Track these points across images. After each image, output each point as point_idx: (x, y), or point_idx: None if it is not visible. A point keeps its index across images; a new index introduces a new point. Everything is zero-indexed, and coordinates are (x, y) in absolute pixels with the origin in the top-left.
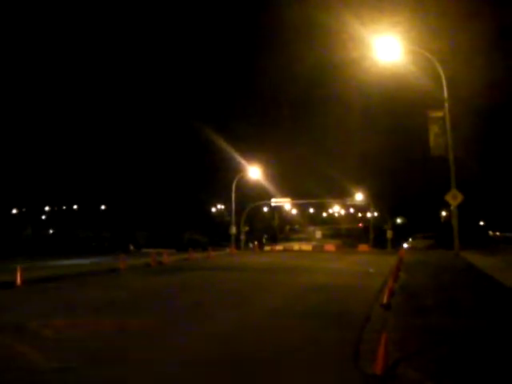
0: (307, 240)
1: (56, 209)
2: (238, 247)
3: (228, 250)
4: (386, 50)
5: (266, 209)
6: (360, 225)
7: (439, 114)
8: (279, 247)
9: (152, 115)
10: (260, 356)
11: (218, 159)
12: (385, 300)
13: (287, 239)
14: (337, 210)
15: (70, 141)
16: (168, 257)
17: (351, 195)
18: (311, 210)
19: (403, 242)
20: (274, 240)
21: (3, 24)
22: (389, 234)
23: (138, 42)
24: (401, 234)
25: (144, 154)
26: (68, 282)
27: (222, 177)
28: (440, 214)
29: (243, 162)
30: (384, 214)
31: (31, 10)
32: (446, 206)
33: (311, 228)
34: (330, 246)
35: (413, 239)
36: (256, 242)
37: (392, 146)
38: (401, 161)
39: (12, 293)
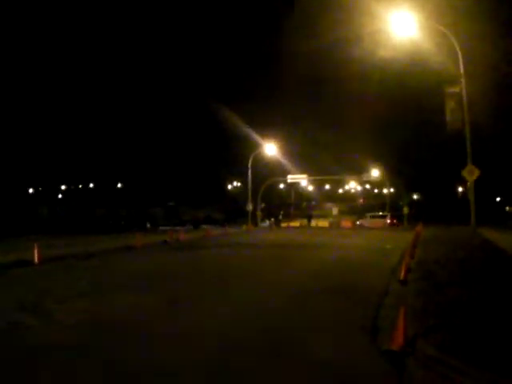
0: (324, 216)
1: (72, 187)
2: (254, 224)
3: (245, 227)
4: (401, 24)
5: (282, 186)
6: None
7: (455, 89)
8: (296, 223)
9: (169, 94)
10: (273, 332)
11: (234, 136)
12: (402, 276)
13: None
14: (353, 186)
15: (87, 119)
16: (185, 234)
17: (367, 171)
18: (327, 187)
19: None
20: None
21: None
22: (405, 209)
23: (156, 20)
24: (417, 209)
25: (161, 132)
26: (84, 260)
27: (238, 154)
28: (456, 189)
29: (259, 138)
30: (400, 190)
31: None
32: (463, 182)
33: (328, 204)
34: (346, 223)
35: (363, 218)
36: (272, 219)
37: (408, 121)
38: (417, 136)
39: (29, 271)
